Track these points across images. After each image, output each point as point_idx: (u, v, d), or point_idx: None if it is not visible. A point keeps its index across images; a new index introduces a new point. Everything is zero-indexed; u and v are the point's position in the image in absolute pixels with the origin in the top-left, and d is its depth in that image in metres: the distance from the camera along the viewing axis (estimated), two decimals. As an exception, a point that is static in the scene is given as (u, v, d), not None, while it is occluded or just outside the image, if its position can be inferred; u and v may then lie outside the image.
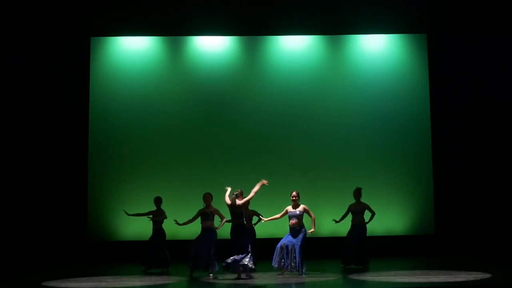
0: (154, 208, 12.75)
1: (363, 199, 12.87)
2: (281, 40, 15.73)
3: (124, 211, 13.12)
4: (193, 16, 15.50)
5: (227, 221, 11.51)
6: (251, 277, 11.07)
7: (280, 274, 11.42)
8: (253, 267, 11.02)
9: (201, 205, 11.77)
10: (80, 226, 14.94)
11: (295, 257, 11.25)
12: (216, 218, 11.78)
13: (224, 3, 15.40)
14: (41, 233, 14.53)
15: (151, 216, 12.57)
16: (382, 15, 15.50)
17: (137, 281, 11.55)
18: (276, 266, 11.41)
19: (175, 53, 15.71)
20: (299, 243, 11.32)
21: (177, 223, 11.78)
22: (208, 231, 11.57)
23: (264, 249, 13.24)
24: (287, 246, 11.34)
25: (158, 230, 12.63)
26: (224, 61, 15.63)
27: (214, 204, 11.82)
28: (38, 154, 14.87)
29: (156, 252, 12.51)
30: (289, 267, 11.28)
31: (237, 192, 11.11)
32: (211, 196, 11.74)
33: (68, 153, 15.13)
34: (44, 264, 14.17)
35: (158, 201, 12.76)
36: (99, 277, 11.78)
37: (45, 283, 10.97)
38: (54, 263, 14.36)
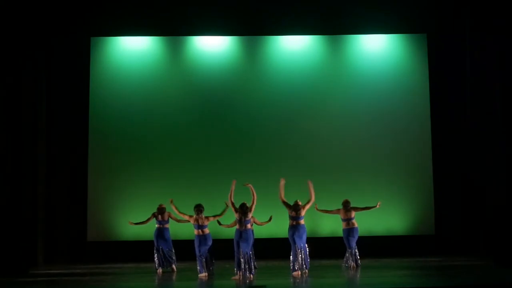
0: (154, 211, 12.79)
1: (364, 203, 12.96)
2: (281, 40, 15.72)
3: (129, 222, 13.07)
4: (193, 16, 15.46)
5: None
6: (250, 277, 11.15)
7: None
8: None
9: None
10: (80, 226, 14.94)
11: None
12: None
13: (224, 3, 15.39)
14: (41, 233, 14.50)
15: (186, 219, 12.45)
16: (382, 15, 15.47)
17: (137, 281, 11.57)
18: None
19: (175, 53, 15.70)
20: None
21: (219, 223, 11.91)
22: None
23: (265, 249, 13.29)
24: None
25: (163, 229, 12.68)
26: (224, 61, 15.62)
27: (220, 203, 12.01)
28: (38, 154, 14.84)
29: (167, 251, 12.58)
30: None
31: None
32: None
33: (68, 153, 15.11)
34: (44, 264, 14.18)
35: (162, 209, 12.77)
36: (99, 277, 11.78)
37: (45, 283, 10.98)
38: (54, 263, 14.37)
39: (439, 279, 10.83)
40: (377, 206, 12.77)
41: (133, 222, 12.86)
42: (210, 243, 11.68)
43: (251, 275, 11.17)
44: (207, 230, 11.72)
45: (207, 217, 11.73)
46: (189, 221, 11.81)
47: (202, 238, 11.65)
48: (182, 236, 13.92)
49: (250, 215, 11.36)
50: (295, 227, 11.65)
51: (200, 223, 11.67)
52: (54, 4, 15.01)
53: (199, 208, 11.75)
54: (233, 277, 11.24)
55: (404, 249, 14.80)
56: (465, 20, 15.03)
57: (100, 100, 15.37)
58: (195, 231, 11.72)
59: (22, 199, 13.74)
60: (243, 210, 11.29)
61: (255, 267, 11.37)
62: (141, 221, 12.81)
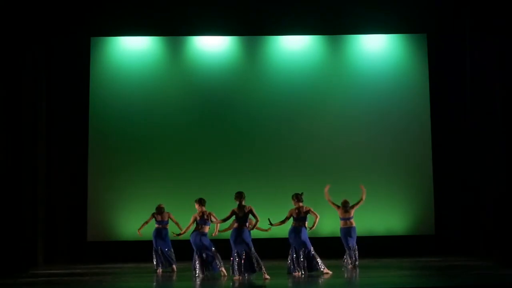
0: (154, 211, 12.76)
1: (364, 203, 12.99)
2: (281, 40, 15.72)
3: (138, 231, 12.91)
4: (193, 16, 15.48)
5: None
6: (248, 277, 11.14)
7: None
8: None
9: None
10: (80, 226, 14.95)
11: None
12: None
13: (224, 3, 15.40)
14: (41, 233, 14.51)
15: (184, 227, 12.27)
16: (382, 15, 15.48)
17: (137, 281, 11.57)
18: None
19: (175, 53, 15.71)
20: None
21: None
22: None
23: (264, 249, 13.25)
24: None
25: (162, 229, 12.67)
26: (224, 61, 15.63)
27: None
28: (38, 154, 14.83)
29: (166, 251, 12.57)
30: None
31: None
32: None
33: (68, 153, 15.12)
34: (44, 264, 14.18)
35: (161, 209, 12.73)
36: (99, 277, 11.78)
37: (45, 283, 10.98)
38: (54, 263, 14.37)
39: (439, 279, 10.82)
40: (364, 191, 12.66)
41: (139, 230, 12.75)
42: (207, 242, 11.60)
43: (255, 273, 11.09)
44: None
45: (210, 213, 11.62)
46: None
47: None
48: (182, 236, 13.91)
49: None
50: (297, 228, 11.58)
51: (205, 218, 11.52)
52: (54, 4, 15.01)
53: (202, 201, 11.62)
54: (234, 277, 11.22)
55: (404, 249, 14.81)
56: (465, 20, 15.03)
57: (100, 100, 15.38)
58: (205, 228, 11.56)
59: (22, 199, 13.74)
60: (241, 196, 11.10)
61: (259, 269, 11.19)
62: (143, 223, 12.76)
